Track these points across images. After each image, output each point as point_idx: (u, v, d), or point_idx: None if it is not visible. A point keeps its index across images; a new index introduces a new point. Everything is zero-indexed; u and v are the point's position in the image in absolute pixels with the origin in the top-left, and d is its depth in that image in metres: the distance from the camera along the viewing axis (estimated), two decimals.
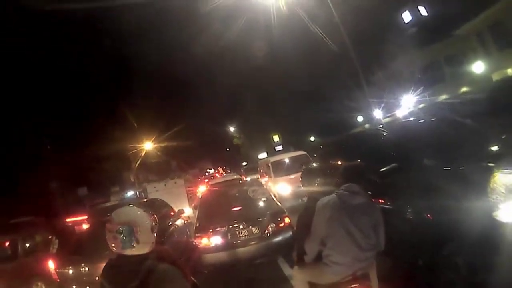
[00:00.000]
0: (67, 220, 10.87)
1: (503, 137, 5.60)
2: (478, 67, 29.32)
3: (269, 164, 19.12)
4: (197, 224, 9.49)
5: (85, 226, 10.00)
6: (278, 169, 18.21)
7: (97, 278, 7.08)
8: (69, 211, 26.31)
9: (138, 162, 35.96)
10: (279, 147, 43.23)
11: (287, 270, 8.38)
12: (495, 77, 25.95)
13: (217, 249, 8.57)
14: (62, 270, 8.39)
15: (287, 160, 18.91)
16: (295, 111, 43.95)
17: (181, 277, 2.90)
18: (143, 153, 37.92)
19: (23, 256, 10.07)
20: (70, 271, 8.22)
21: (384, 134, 7.56)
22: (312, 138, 44.78)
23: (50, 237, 10.80)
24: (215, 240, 8.67)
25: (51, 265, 8.74)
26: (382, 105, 29.99)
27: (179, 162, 44.10)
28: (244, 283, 8.12)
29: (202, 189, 23.30)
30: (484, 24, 28.31)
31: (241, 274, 8.35)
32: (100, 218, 9.04)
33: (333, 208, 3.86)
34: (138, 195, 28.90)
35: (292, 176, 16.54)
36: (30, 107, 32.61)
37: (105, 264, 2.91)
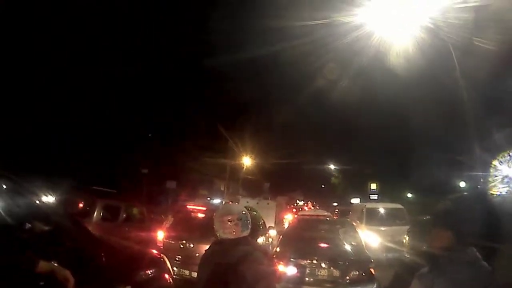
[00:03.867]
0: (188, 206, 12.04)
1: None
2: None
3: (364, 210, 18.44)
4: (278, 249, 9.53)
5: (200, 215, 11.14)
6: (372, 217, 17.51)
7: (197, 254, 8.91)
8: (152, 199, 28.15)
9: (241, 175, 37.47)
10: (374, 196, 42.32)
11: None
12: None
13: (290, 280, 8.27)
14: (169, 241, 10.17)
15: (382, 210, 18.24)
16: (398, 163, 43.38)
17: (271, 265, 3.75)
18: (240, 167, 39.61)
19: (125, 221, 12.13)
20: (180, 245, 9.79)
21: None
22: (409, 195, 43.91)
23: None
24: (291, 271, 8.41)
25: (160, 235, 10.58)
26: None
27: (272, 185, 44.89)
28: None
29: (289, 217, 24.42)
30: None
31: None
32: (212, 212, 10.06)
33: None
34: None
35: (384, 228, 16.34)
36: (145, 103, 34.45)
37: (208, 245, 3.69)
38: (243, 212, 3.65)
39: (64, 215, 4.98)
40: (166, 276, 6.43)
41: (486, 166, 25.32)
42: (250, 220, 3.67)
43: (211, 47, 39.08)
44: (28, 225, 3.98)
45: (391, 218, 17.20)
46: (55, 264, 3.54)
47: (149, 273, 5.92)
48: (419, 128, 39.73)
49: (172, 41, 37.72)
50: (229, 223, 3.52)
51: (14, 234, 3.65)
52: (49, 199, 4.71)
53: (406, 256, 13.46)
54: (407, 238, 14.52)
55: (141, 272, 5.76)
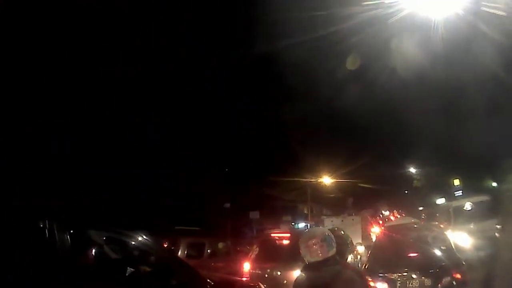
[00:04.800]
0: (272, 234, 12.32)
1: None
2: None
3: (450, 210, 18.01)
4: (367, 265, 9.48)
5: (285, 242, 11.28)
6: (459, 216, 16.99)
7: (285, 281, 9.10)
8: (236, 232, 28.65)
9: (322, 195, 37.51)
10: (459, 193, 40.63)
11: None
12: None
13: None
14: (255, 271, 10.27)
15: (469, 206, 17.61)
16: (479, 154, 41.84)
17: (364, 283, 4.03)
18: (320, 187, 39.49)
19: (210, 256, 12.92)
20: (266, 274, 9.85)
21: None
22: (494, 184, 41.82)
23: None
24: (382, 286, 8.36)
25: (246, 266, 10.74)
26: None
27: (355, 200, 44.45)
28: None
29: (376, 230, 23.84)
30: None
31: None
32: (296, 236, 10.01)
33: None
34: (308, 227, 29.55)
35: (473, 225, 15.84)
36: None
37: (295, 271, 4.01)
38: (327, 234, 3.79)
39: (169, 254, 5.53)
40: None
41: None
42: (334, 239, 3.79)
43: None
44: (130, 270, 4.40)
45: (480, 212, 16.55)
46: None
47: None
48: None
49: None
50: (314, 246, 3.66)
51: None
52: (149, 241, 5.06)
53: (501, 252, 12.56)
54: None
55: None
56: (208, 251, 12.94)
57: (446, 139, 43.54)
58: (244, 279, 7.65)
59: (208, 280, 5.59)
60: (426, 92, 32.27)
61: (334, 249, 3.72)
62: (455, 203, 19.13)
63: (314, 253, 3.64)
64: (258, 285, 7.10)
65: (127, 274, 4.49)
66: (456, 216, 17.12)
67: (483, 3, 12.46)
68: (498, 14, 12.93)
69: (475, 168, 42.41)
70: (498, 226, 13.24)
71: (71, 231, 4.34)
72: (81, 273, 4.41)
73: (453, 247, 10.20)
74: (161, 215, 17.73)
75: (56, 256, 4.19)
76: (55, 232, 4.21)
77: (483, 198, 18.06)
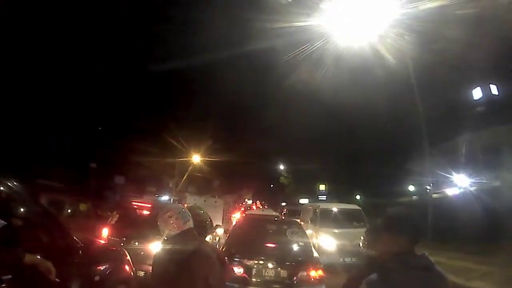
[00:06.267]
0: (133, 202, 11.92)
1: None
2: None
3: (317, 211, 17.72)
4: (224, 248, 9.39)
5: (145, 212, 11.10)
6: (326, 219, 16.82)
7: (142, 253, 8.93)
8: (100, 195, 28.11)
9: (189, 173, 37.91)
10: (323, 197, 42.75)
11: None
12: None
13: (234, 280, 8.06)
14: (114, 238, 9.98)
15: (337, 211, 17.66)
16: (347, 164, 44.25)
17: (221, 261, 4.14)
18: (190, 165, 39.84)
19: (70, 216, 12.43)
20: (124, 243, 9.38)
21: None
22: (358, 197, 44.34)
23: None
24: (237, 270, 8.31)
25: (105, 232, 10.43)
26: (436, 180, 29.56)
27: (222, 184, 45.30)
28: None
29: (237, 216, 23.81)
30: None
31: None
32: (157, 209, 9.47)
33: None
34: (172, 202, 29.30)
35: (339, 231, 15.90)
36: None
37: (153, 243, 4.36)
38: (183, 209, 4.04)
39: (41, 207, 5.39)
40: (127, 267, 6.78)
41: (433, 171, 26.72)
42: (190, 215, 4.02)
43: (164, 47, 39.22)
44: (2, 222, 4.18)
45: (348, 220, 16.84)
46: (38, 257, 3.90)
47: (112, 265, 6.27)
48: (370, 133, 41.18)
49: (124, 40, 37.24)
50: (169, 219, 3.87)
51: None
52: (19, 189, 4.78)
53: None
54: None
55: (106, 264, 6.09)
56: (69, 210, 12.57)
57: (322, 146, 45.91)
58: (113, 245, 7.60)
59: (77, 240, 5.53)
60: (312, 99, 33.90)
61: (190, 223, 3.96)
62: (323, 205, 19.21)
63: (170, 226, 3.86)
64: (123, 250, 7.12)
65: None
66: (323, 219, 17.05)
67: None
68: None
69: (342, 179, 44.94)
70: (362, 238, 14.13)
71: None
72: None
73: (312, 246, 10.27)
74: (24, 169, 16.95)
75: None
76: None
77: (354, 206, 18.92)
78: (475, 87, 43.82)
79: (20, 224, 4.38)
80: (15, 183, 4.72)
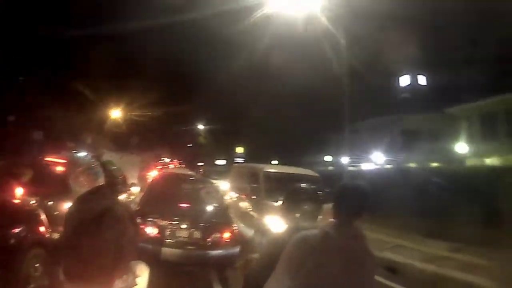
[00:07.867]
0: (46, 158, 11.16)
1: None
2: (460, 148, 31.43)
3: (261, 176, 13.12)
4: (138, 207, 9.44)
5: (59, 168, 10.23)
6: (276, 189, 11.30)
7: (56, 212, 8.35)
8: (16, 150, 27.64)
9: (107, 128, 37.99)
10: (240, 160, 43.63)
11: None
12: (470, 163, 28.48)
13: (148, 240, 8.07)
14: (26, 197, 9.12)
15: (290, 178, 12.68)
16: (266, 130, 45.08)
17: (133, 222, 4.20)
18: (108, 120, 39.38)
19: None
20: (36, 202, 8.67)
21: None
22: (274, 162, 43.97)
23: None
24: (151, 231, 8.32)
25: (19, 191, 9.47)
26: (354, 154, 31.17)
27: (140, 142, 45.55)
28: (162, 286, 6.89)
29: (153, 174, 23.60)
30: (476, 112, 30.59)
31: (163, 276, 7.08)
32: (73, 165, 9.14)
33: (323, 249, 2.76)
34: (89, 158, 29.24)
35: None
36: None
37: (68, 203, 4.15)
38: (93, 165, 4.00)
39: None
40: (43, 229, 6.75)
41: (352, 146, 28.47)
42: (101, 172, 3.96)
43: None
44: None
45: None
46: None
47: (27, 227, 6.30)
48: (293, 103, 42.61)
49: None
50: (80, 176, 3.86)
51: None
52: None
53: None
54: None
55: (21, 226, 6.11)
56: None
57: (243, 110, 46.74)
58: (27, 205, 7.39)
59: None
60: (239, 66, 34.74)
61: (102, 179, 3.92)
62: (269, 168, 14.23)
63: (81, 182, 3.84)
64: (38, 210, 7.06)
65: None
66: (269, 188, 12.39)
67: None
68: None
69: (259, 143, 46.01)
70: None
71: None
72: None
73: (227, 208, 10.45)
74: None
75: None
76: None
77: (309, 172, 14.87)
78: (404, 74, 46.61)
79: None
80: None
